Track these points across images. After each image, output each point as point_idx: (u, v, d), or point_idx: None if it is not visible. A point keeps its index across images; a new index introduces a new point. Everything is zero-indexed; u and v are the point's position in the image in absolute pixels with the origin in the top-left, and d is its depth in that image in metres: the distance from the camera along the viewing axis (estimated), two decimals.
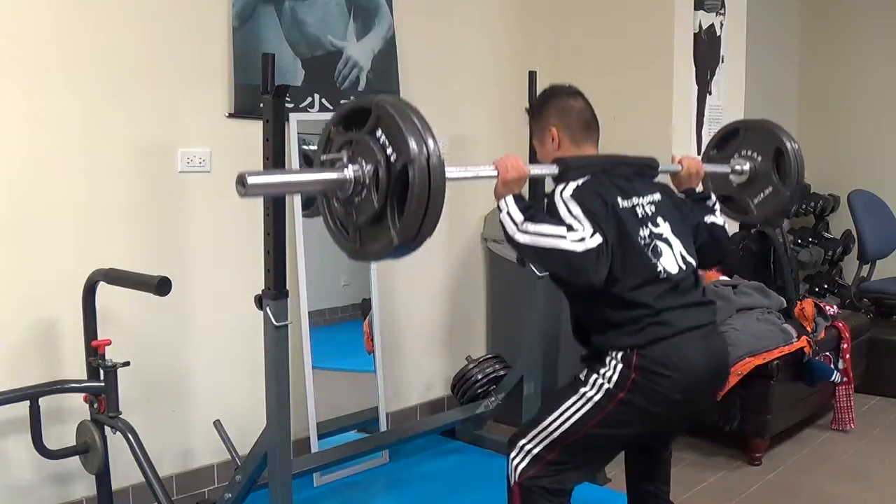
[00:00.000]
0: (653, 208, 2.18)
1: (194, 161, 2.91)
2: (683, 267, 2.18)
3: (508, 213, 2.08)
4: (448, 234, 3.81)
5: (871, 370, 4.22)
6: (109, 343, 2.48)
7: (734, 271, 3.90)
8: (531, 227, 2.04)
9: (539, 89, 3.31)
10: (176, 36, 2.83)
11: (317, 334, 3.20)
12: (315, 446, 3.16)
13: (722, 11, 3.99)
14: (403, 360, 3.67)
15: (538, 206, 2.10)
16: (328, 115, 3.20)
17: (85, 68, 2.63)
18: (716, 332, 2.22)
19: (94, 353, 2.47)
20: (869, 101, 5.62)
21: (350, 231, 1.82)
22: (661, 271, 2.11)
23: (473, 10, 3.83)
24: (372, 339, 3.43)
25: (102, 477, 2.56)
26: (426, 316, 3.77)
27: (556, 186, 2.13)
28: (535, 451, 2.14)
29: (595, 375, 2.09)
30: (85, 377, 2.52)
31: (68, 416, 2.61)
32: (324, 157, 1.79)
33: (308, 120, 3.20)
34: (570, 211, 2.05)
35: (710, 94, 3.99)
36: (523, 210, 2.07)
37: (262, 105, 2.35)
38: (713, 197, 2.46)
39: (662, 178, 2.36)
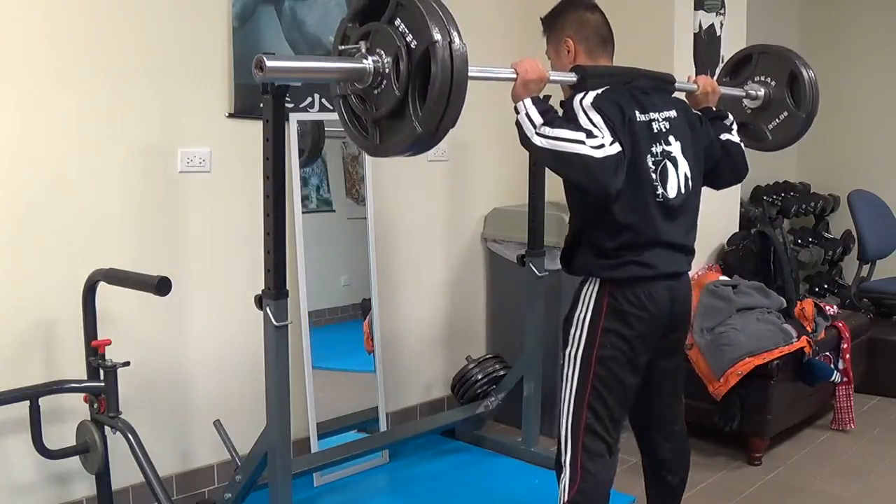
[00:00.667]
0: (667, 125, 2.19)
1: (194, 161, 2.91)
2: (683, 191, 2.19)
3: (527, 115, 2.04)
4: (448, 234, 3.81)
5: (871, 370, 4.22)
6: (109, 343, 2.48)
7: (734, 271, 3.90)
8: (549, 130, 2.00)
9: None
10: (176, 36, 2.82)
11: (317, 334, 3.20)
12: (315, 446, 3.16)
13: (722, 11, 3.99)
14: (403, 360, 3.67)
15: (556, 111, 2.07)
16: (328, 115, 3.23)
17: (85, 68, 2.63)
18: (684, 281, 2.28)
19: (94, 353, 2.47)
20: (869, 102, 5.62)
21: (369, 126, 1.80)
22: (659, 193, 2.13)
23: (473, 11, 3.82)
24: (372, 339, 3.42)
25: (102, 477, 2.56)
26: (426, 316, 3.77)
27: (574, 94, 2.11)
28: (571, 433, 2.19)
29: (572, 331, 2.19)
30: (85, 377, 2.52)
31: (68, 416, 2.61)
32: (342, 48, 1.78)
33: (308, 120, 3.20)
34: (590, 119, 2.03)
35: None
36: (542, 113, 2.03)
37: (262, 105, 2.35)
38: (730, 116, 2.47)
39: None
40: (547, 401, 3.43)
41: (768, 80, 2.65)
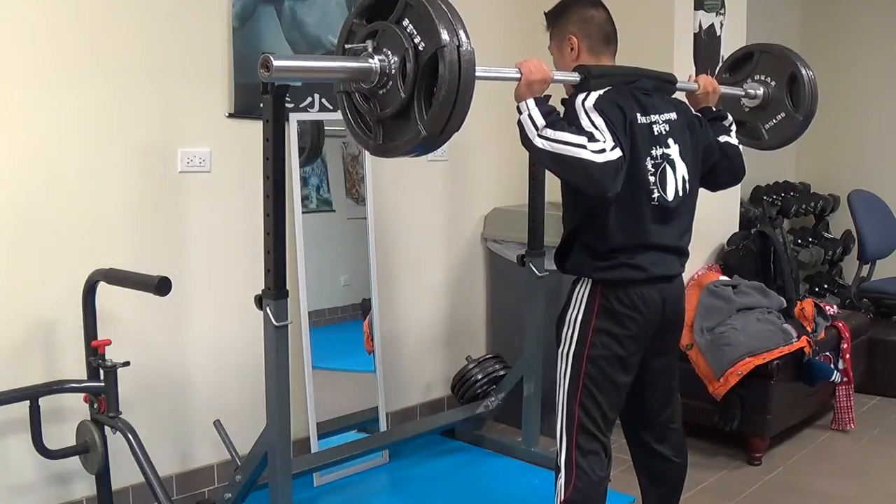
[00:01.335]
0: (667, 127, 2.19)
1: (194, 161, 2.91)
2: (680, 194, 2.20)
3: (530, 116, 2.04)
4: (448, 234, 3.81)
5: (871, 370, 4.22)
6: (109, 343, 2.48)
7: (734, 271, 3.90)
8: (551, 133, 2.00)
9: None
10: (176, 36, 2.82)
11: (317, 334, 3.20)
12: (315, 446, 3.16)
13: (722, 11, 3.99)
14: (403, 360, 3.67)
15: (559, 114, 2.07)
16: (328, 115, 3.23)
17: (85, 68, 2.63)
18: (677, 284, 2.29)
19: (94, 353, 2.47)
20: (869, 102, 5.61)
21: (372, 125, 1.79)
22: (655, 197, 2.14)
23: (473, 10, 3.82)
24: (372, 339, 3.42)
25: (102, 477, 2.56)
26: (426, 316, 3.77)
27: (576, 94, 2.11)
28: (567, 430, 2.19)
29: (564, 330, 2.19)
30: (85, 377, 2.52)
31: (68, 416, 2.61)
32: (348, 47, 1.77)
33: (308, 120, 3.20)
34: (592, 121, 2.03)
35: None
36: (545, 114, 2.03)
37: (262, 105, 2.35)
38: (729, 117, 2.47)
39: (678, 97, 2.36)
40: (547, 401, 3.42)
41: (768, 79, 2.65)
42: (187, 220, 2.92)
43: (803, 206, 5.37)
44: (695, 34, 3.86)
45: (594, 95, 2.09)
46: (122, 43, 2.70)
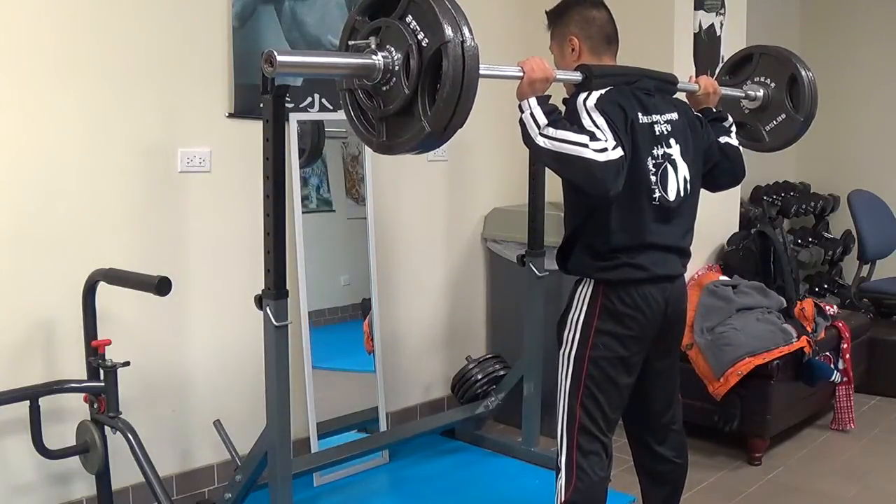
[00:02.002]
0: (668, 127, 2.19)
1: (194, 161, 2.91)
2: (682, 194, 2.20)
3: (532, 115, 2.03)
4: (448, 234, 3.81)
5: (871, 370, 4.22)
6: (109, 343, 2.48)
7: (734, 271, 3.90)
8: (553, 131, 2.00)
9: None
10: (176, 36, 2.82)
11: (317, 334, 3.20)
12: (315, 446, 3.16)
13: (722, 11, 3.99)
14: (403, 360, 3.67)
15: (560, 112, 2.07)
16: (328, 115, 3.23)
17: (85, 68, 2.63)
18: (681, 283, 2.29)
19: (94, 353, 2.47)
20: (869, 102, 5.61)
21: (375, 122, 1.78)
22: (656, 196, 2.14)
23: (473, 10, 3.81)
24: (372, 339, 3.42)
25: (102, 477, 2.56)
26: (426, 316, 3.77)
27: (577, 94, 2.11)
28: (568, 430, 2.19)
29: (567, 331, 2.19)
30: (85, 377, 2.52)
31: (68, 416, 2.61)
32: (351, 43, 1.76)
33: (308, 120, 3.20)
34: (593, 120, 2.03)
35: None
36: (547, 113, 2.03)
37: (262, 105, 2.35)
38: (730, 118, 2.47)
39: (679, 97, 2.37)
40: (547, 401, 3.42)
41: (768, 81, 2.65)
42: (187, 220, 2.92)
43: (803, 206, 5.37)
44: (695, 34, 3.86)
45: (595, 95, 2.09)
46: (122, 43, 2.70)
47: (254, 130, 2.54)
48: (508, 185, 3.95)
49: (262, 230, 2.40)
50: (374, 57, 1.70)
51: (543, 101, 2.05)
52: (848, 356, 3.84)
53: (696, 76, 2.51)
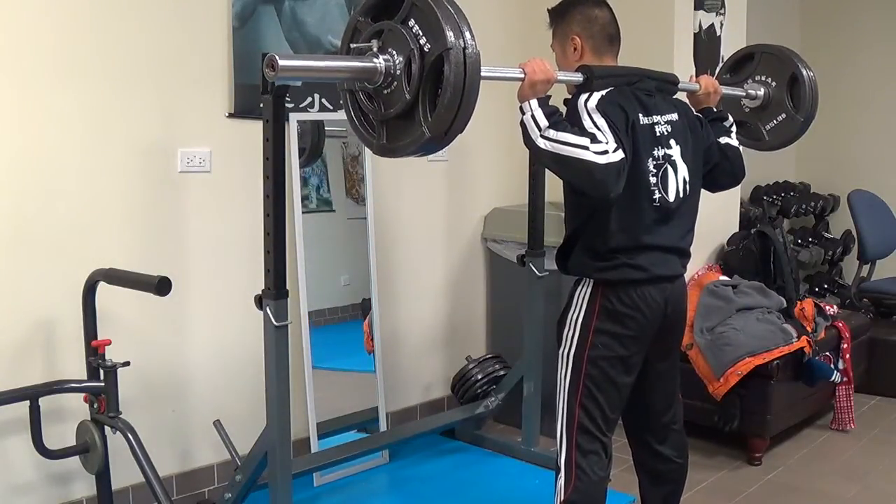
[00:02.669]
0: (669, 128, 2.19)
1: (194, 161, 2.91)
2: (682, 194, 2.20)
3: (533, 117, 2.03)
4: (448, 234, 3.81)
5: (871, 370, 4.22)
6: (109, 343, 2.48)
7: (734, 271, 3.90)
8: (554, 133, 2.00)
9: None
10: (176, 36, 2.82)
11: (317, 334, 3.20)
12: (315, 446, 3.16)
13: (722, 11, 3.99)
14: (403, 360, 3.67)
15: (561, 114, 2.07)
16: (328, 115, 3.23)
17: (85, 68, 2.63)
18: (681, 283, 2.29)
19: (94, 353, 2.47)
20: (869, 101, 5.61)
21: (376, 125, 1.78)
22: (657, 197, 2.14)
23: (473, 10, 3.81)
24: (372, 339, 3.42)
25: (102, 477, 2.56)
26: (426, 316, 3.77)
27: (579, 94, 2.11)
28: (567, 430, 2.19)
29: (566, 331, 2.19)
30: (85, 377, 2.52)
31: (68, 416, 2.61)
32: (353, 46, 1.75)
33: (308, 120, 3.20)
34: (594, 122, 2.03)
35: None
36: (548, 115, 2.03)
37: (262, 105, 2.35)
38: (730, 118, 2.47)
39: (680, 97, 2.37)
40: (547, 401, 3.42)
41: (769, 80, 2.65)
42: (187, 220, 2.92)
43: (803, 206, 5.37)
44: (695, 34, 3.86)
45: (596, 96, 2.08)
46: (122, 43, 2.70)
47: (254, 130, 2.54)
48: (508, 185, 3.95)
49: (262, 230, 2.40)
50: (375, 60, 1.69)
51: (544, 103, 2.05)
52: (848, 356, 3.84)
53: (697, 76, 2.50)
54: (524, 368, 3.39)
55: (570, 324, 2.21)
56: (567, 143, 1.98)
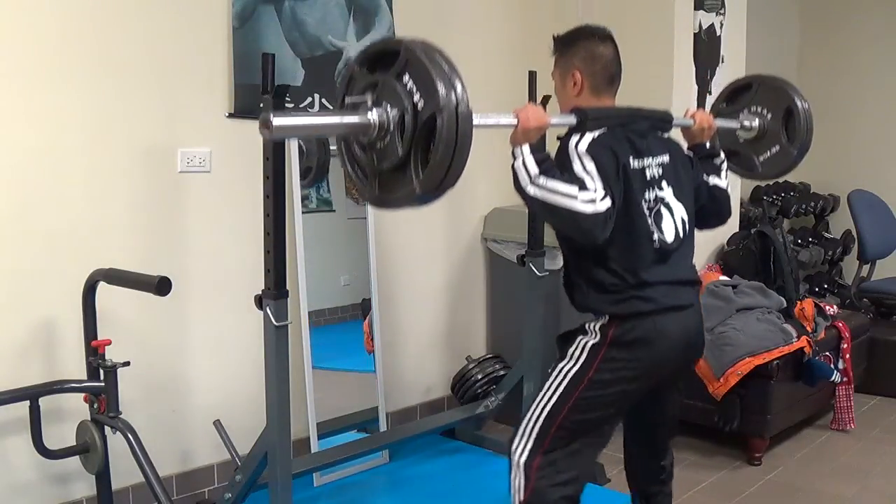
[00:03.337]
0: (661, 170, 2.19)
1: (194, 161, 2.91)
2: (681, 234, 2.20)
3: (524, 163, 2.04)
4: (448, 234, 3.81)
5: (871, 370, 4.22)
6: (109, 343, 2.48)
7: (734, 271, 3.90)
8: (544, 181, 2.01)
9: (539, 90, 3.34)
10: (176, 36, 2.83)
11: (317, 334, 3.20)
12: (315, 446, 3.16)
13: (722, 11, 3.99)
14: (403, 360, 3.67)
15: (552, 161, 2.08)
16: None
17: (85, 68, 2.63)
18: (694, 313, 2.27)
19: (94, 353, 2.47)
20: (869, 101, 5.62)
21: (370, 176, 1.79)
22: (656, 239, 2.14)
23: (473, 11, 3.83)
24: (372, 339, 3.43)
25: (102, 477, 2.56)
26: (426, 316, 3.77)
27: (571, 136, 2.12)
28: (532, 444, 2.17)
29: (572, 348, 2.16)
30: (85, 377, 2.52)
31: (68, 416, 2.61)
32: (348, 100, 1.76)
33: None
34: (584, 166, 2.04)
35: (710, 94, 3.99)
36: (539, 162, 2.04)
37: (262, 105, 2.35)
38: (721, 155, 2.46)
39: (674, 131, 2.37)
40: None
41: (765, 111, 2.64)
42: (187, 220, 2.92)
43: (803, 206, 5.37)
44: (695, 34, 3.86)
45: (588, 138, 2.09)
46: (122, 43, 2.70)
47: (254, 130, 2.52)
48: (508, 185, 3.91)
49: (262, 230, 2.40)
50: (369, 115, 1.69)
51: (536, 150, 2.06)
52: (848, 356, 3.84)
53: (693, 111, 2.48)
54: (524, 368, 3.39)
55: (579, 345, 2.17)
56: (556, 192, 2.01)
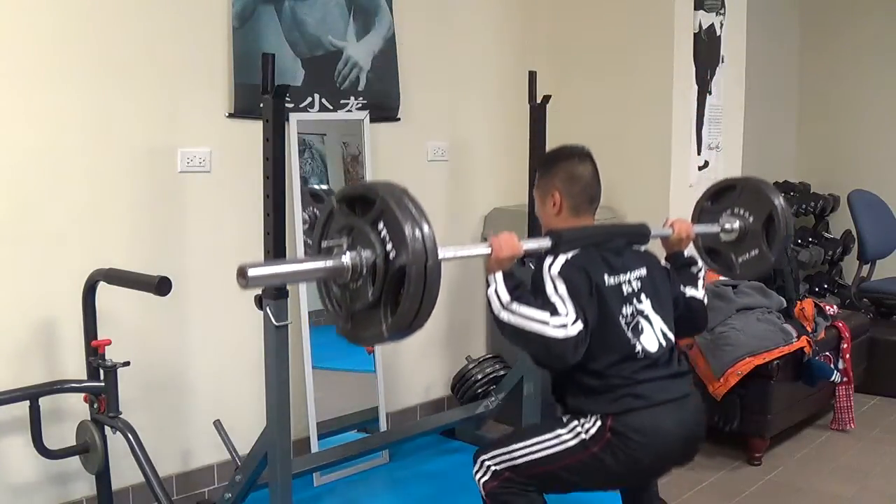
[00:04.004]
0: (638, 284, 2.24)
1: (194, 161, 2.91)
2: (663, 343, 2.23)
3: (496, 291, 2.12)
4: (448, 234, 3.81)
5: (871, 370, 4.22)
6: (109, 343, 2.48)
7: None
8: (516, 306, 2.09)
9: (539, 89, 3.34)
10: (176, 36, 2.83)
11: (317, 334, 3.20)
12: (315, 446, 3.16)
13: (722, 11, 3.99)
14: (403, 360, 3.67)
15: (525, 287, 2.14)
16: (328, 116, 3.23)
17: (85, 68, 2.63)
18: (690, 403, 2.27)
19: (94, 353, 2.47)
20: (869, 101, 5.62)
21: (343, 313, 1.84)
22: (639, 351, 2.17)
23: (473, 10, 3.83)
24: None
25: (102, 477, 2.56)
26: None
27: (545, 258, 2.17)
28: (495, 468, 2.23)
29: (575, 423, 2.16)
30: (85, 377, 2.52)
31: (68, 416, 2.61)
32: (324, 244, 1.83)
33: (308, 120, 3.20)
34: (556, 289, 2.10)
35: (710, 94, 3.99)
36: (511, 290, 2.10)
37: (262, 105, 2.35)
38: (699, 263, 2.52)
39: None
40: (547, 400, 3.42)
41: (747, 214, 2.67)
42: (187, 220, 2.92)
43: (803, 206, 5.37)
44: (695, 34, 3.86)
45: (561, 260, 2.14)
46: (122, 43, 2.70)
47: (254, 130, 2.54)
48: (508, 185, 3.95)
49: (261, 230, 2.40)
50: (343, 258, 1.75)
51: (509, 277, 2.12)
52: (848, 356, 3.84)
53: (672, 220, 2.51)
54: (524, 368, 3.39)
55: (577, 427, 2.16)
56: (528, 318, 2.07)
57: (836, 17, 5.75)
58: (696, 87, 3.91)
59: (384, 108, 3.44)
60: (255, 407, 2.76)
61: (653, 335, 2.20)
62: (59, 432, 2.58)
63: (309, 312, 3.16)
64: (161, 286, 2.29)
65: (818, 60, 5.84)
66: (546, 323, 2.05)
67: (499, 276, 2.11)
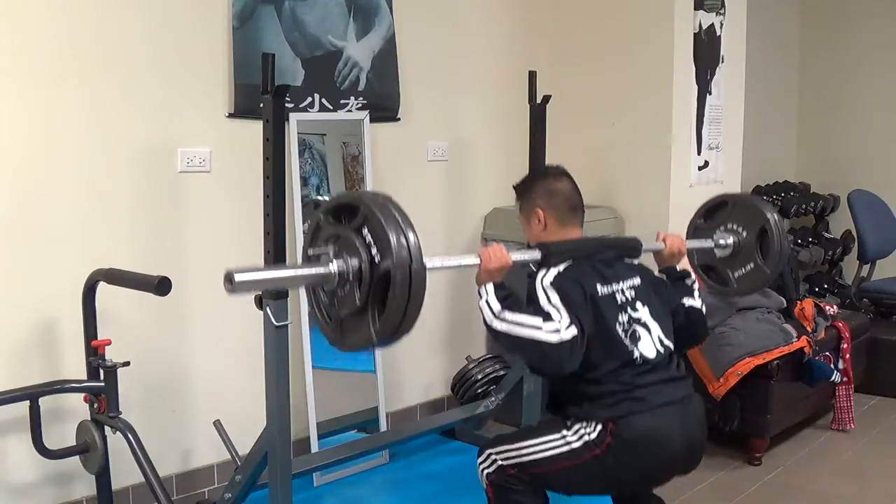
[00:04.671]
0: (632, 293, 2.24)
1: (194, 161, 2.91)
2: (661, 350, 2.24)
3: (487, 301, 2.13)
4: (448, 234, 3.81)
5: (871, 370, 4.22)
6: (109, 343, 2.48)
7: None
8: (508, 315, 2.09)
9: (539, 89, 3.34)
10: (176, 36, 2.83)
11: (317, 334, 3.19)
12: (315, 446, 3.16)
13: (722, 11, 3.99)
14: (403, 360, 3.67)
15: (516, 296, 2.15)
16: (328, 115, 3.23)
17: (85, 68, 2.63)
18: (691, 406, 2.27)
19: (94, 353, 2.47)
20: (869, 101, 5.61)
21: (332, 320, 1.85)
22: (637, 357, 2.18)
23: (473, 10, 3.83)
24: None
25: (102, 477, 2.56)
26: (426, 316, 3.74)
27: (538, 272, 2.18)
28: (502, 463, 2.24)
29: (579, 425, 2.16)
30: (85, 377, 2.52)
31: (68, 416, 2.61)
32: (310, 252, 1.84)
33: (308, 120, 3.20)
34: (549, 299, 2.11)
35: (710, 94, 3.99)
36: (501, 299, 2.11)
37: (262, 105, 2.35)
38: (692, 275, 2.53)
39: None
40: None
41: (740, 229, 2.68)
42: (187, 220, 2.92)
43: (803, 206, 5.37)
44: (695, 34, 3.86)
45: (553, 272, 2.16)
46: (122, 43, 2.70)
47: (254, 130, 2.54)
48: (508, 185, 3.91)
49: (261, 230, 2.40)
50: (330, 265, 1.77)
51: (499, 287, 2.13)
52: (848, 356, 3.84)
53: (665, 235, 2.52)
54: (524, 368, 3.39)
55: (580, 429, 2.16)
56: (520, 324, 2.07)
57: (836, 17, 5.75)
58: (696, 87, 3.91)
59: (384, 108, 3.44)
60: (255, 407, 2.76)
61: (650, 342, 2.21)
62: (59, 432, 2.58)
63: (309, 312, 3.16)
64: (161, 286, 2.29)
65: (818, 60, 5.84)
66: (539, 328, 2.05)
67: (489, 286, 2.12)
